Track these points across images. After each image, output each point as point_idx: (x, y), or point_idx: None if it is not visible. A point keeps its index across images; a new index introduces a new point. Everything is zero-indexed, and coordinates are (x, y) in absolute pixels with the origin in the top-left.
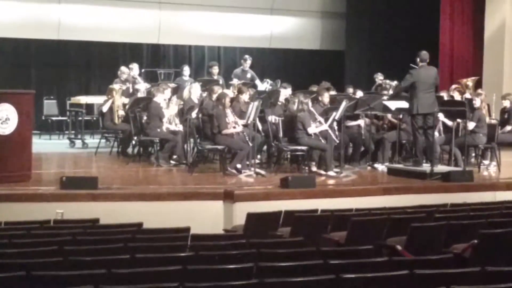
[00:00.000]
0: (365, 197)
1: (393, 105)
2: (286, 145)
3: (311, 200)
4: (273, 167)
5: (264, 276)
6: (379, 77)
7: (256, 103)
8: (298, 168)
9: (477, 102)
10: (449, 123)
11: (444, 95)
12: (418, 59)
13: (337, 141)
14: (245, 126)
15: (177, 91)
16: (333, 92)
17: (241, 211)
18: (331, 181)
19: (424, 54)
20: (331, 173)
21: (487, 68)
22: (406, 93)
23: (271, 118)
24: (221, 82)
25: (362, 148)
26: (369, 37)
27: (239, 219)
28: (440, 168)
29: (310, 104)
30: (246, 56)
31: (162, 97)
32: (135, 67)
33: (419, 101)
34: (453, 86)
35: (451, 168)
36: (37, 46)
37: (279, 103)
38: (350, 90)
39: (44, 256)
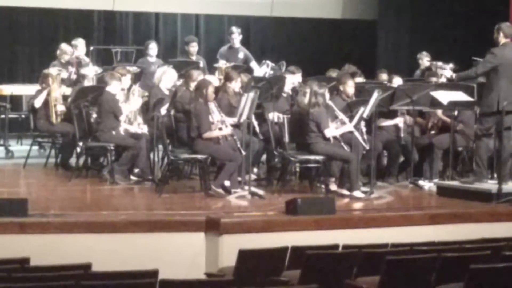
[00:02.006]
0: (406, 228)
1: (445, 96)
2: (294, 153)
3: (329, 232)
4: (275, 185)
5: None
6: (426, 58)
7: (251, 94)
8: (311, 186)
9: None
10: None
11: None
12: (501, 34)
13: (366, 148)
14: (236, 127)
15: (140, 77)
16: (360, 79)
17: (231, 247)
18: (357, 205)
19: (509, 27)
20: (357, 193)
21: None
22: (464, 81)
23: (273, 116)
24: (201, 65)
25: (402, 158)
26: (412, 2)
27: (228, 259)
28: None
29: (327, 96)
30: (233, 28)
31: (118, 86)
32: (80, 44)
33: (501, 93)
34: None
35: None
36: None
37: (284, 95)
38: (384, 76)
39: None
